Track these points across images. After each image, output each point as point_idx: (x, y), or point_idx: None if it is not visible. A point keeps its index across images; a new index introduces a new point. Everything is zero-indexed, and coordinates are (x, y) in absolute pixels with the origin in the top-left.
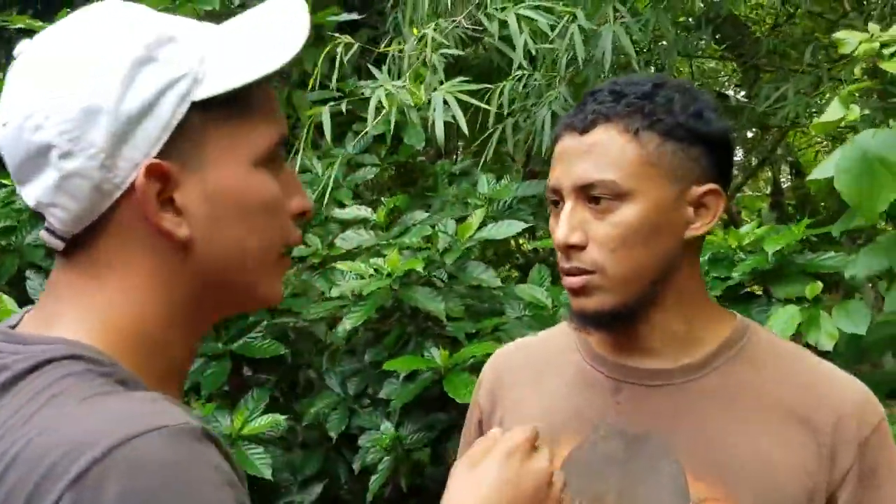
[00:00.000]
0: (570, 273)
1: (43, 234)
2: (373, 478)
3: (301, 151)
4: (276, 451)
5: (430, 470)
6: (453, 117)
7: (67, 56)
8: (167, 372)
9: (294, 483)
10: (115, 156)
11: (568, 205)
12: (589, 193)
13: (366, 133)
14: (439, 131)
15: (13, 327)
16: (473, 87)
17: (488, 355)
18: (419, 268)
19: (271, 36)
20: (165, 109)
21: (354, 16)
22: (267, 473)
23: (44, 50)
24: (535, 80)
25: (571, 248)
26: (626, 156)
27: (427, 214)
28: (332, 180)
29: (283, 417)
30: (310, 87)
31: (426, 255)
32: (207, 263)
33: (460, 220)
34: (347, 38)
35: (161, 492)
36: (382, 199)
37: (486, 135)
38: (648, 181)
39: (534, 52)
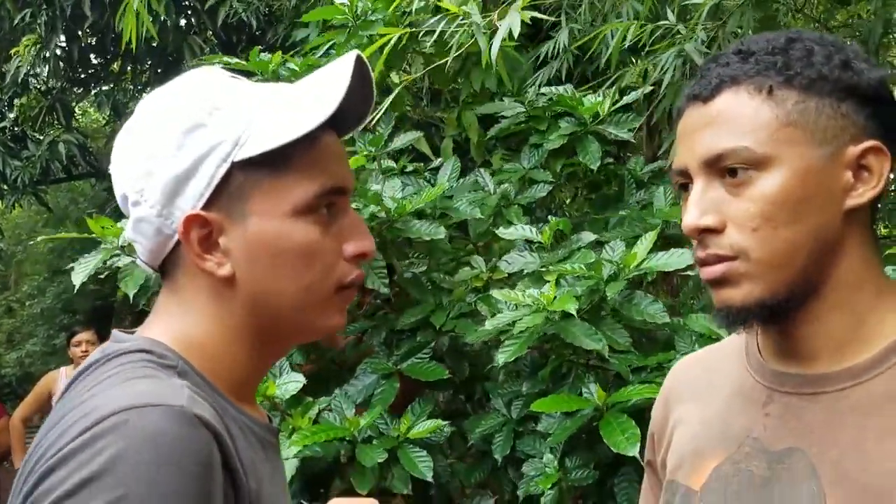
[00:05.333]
0: (706, 262)
1: (138, 260)
2: None
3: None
4: (441, 458)
5: None
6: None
7: (143, 122)
8: (239, 381)
9: (464, 495)
10: (169, 206)
11: (698, 184)
12: (720, 167)
13: (541, 146)
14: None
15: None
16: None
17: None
18: (571, 308)
19: (307, 101)
20: (208, 169)
21: None
22: (428, 475)
23: (136, 114)
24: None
25: (706, 233)
26: (761, 118)
27: (594, 236)
28: (502, 198)
29: (446, 424)
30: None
31: (588, 285)
32: (252, 296)
33: (636, 238)
34: None
35: (134, 455)
36: (554, 216)
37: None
38: (790, 145)
39: None
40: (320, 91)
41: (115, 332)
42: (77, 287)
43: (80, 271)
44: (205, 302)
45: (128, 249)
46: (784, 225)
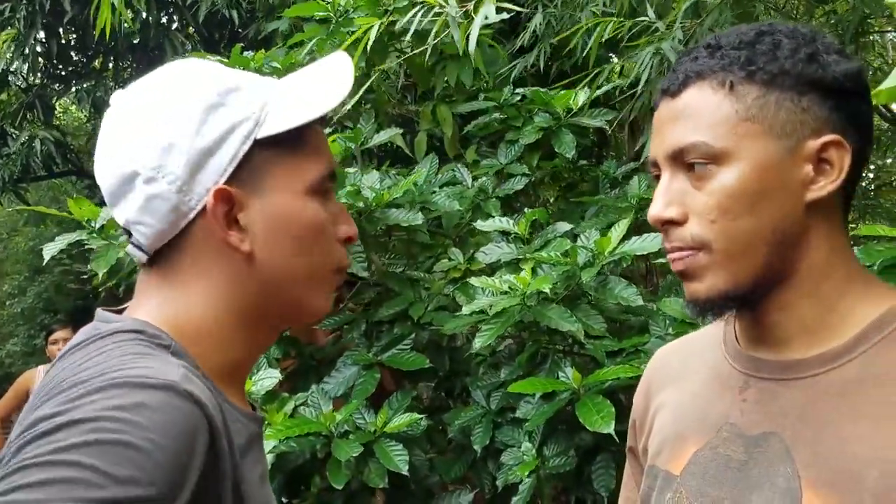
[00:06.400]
0: (671, 253)
1: (129, 248)
2: (514, 499)
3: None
4: (419, 452)
5: (575, 493)
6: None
7: (154, 102)
8: (228, 369)
9: (444, 490)
10: (190, 182)
11: (664, 177)
12: (684, 161)
13: (517, 142)
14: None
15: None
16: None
17: (631, 378)
18: (547, 287)
19: (320, 87)
20: (232, 145)
21: None
22: (404, 469)
23: (135, 97)
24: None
25: (669, 224)
26: (721, 113)
27: (569, 226)
28: (479, 192)
29: (422, 417)
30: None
31: (564, 271)
32: (267, 274)
33: (611, 226)
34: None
35: (119, 413)
36: (529, 209)
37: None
38: (748, 139)
39: None
40: (328, 82)
41: (99, 311)
42: (57, 279)
43: (52, 247)
44: (207, 284)
45: (105, 232)
46: (742, 217)
